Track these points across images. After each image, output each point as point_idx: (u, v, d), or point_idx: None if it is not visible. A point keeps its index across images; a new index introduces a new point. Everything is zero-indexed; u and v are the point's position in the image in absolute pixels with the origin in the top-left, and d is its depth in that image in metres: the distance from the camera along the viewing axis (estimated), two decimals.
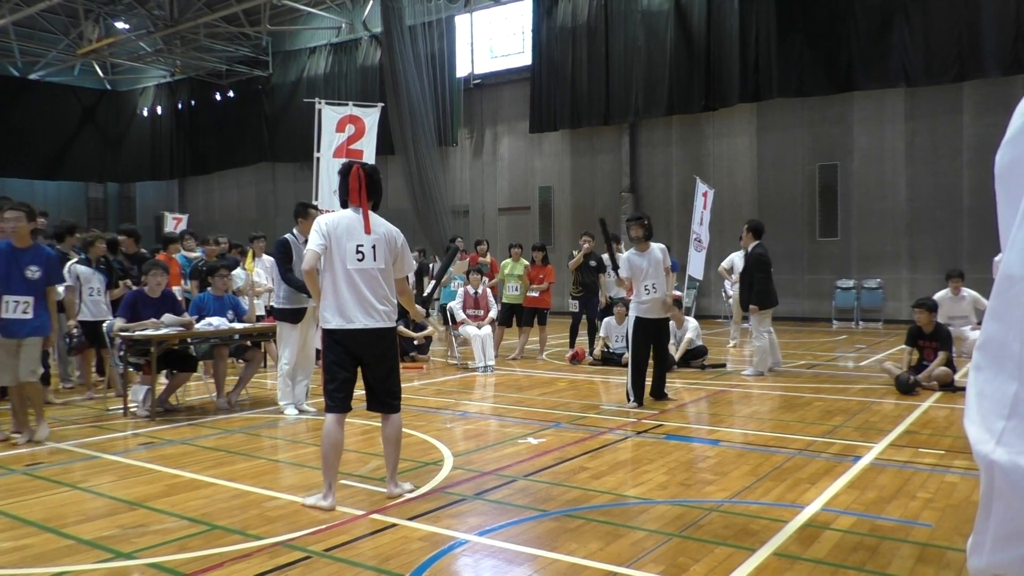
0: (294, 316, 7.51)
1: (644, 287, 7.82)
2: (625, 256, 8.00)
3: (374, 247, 4.56)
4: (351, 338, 4.54)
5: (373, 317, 4.53)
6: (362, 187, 4.60)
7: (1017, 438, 0.84)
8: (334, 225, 4.55)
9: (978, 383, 0.91)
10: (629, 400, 7.82)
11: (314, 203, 8.00)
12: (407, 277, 4.92)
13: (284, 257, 7.39)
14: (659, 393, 8.13)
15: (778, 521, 4.25)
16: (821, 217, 18.09)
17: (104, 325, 8.03)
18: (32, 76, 28.92)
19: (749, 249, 10.06)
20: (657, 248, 7.94)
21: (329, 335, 4.58)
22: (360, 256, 4.51)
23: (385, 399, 4.71)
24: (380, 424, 4.85)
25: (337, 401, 4.59)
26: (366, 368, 4.66)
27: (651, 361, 8.07)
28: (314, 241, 4.54)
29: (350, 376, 4.63)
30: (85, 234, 9.18)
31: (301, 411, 7.67)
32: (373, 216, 4.66)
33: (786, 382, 9.42)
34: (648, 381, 8.01)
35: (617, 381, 9.35)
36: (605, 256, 12.26)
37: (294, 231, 7.57)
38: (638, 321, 7.86)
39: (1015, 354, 0.85)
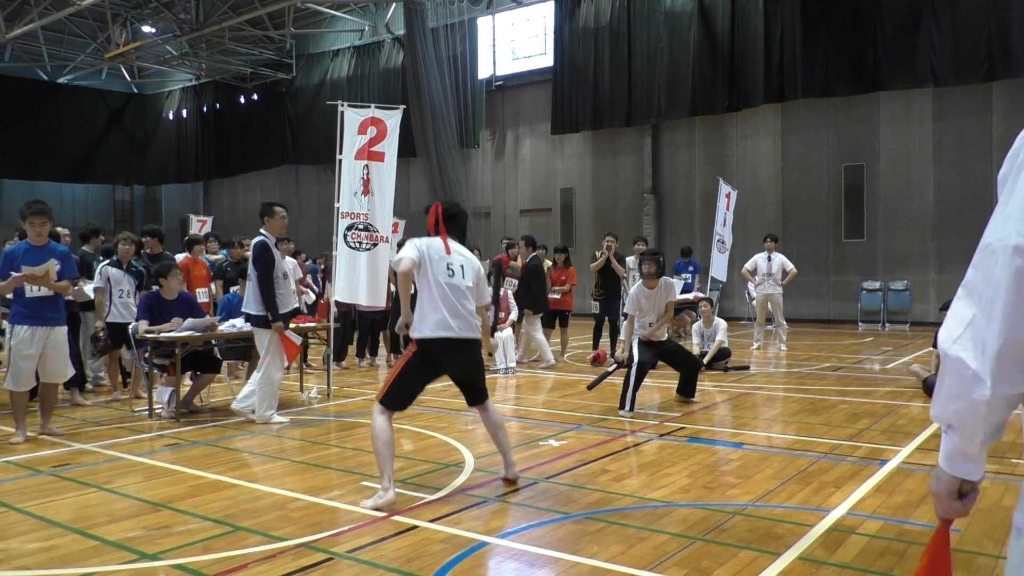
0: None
1: (647, 322, 7.90)
2: (633, 293, 7.99)
3: (462, 266, 4.92)
4: (446, 348, 4.78)
5: (468, 328, 4.84)
6: (439, 221, 5.00)
7: (965, 342, 1.28)
8: (426, 245, 4.90)
9: (955, 307, 1.33)
10: (624, 408, 7.48)
11: (279, 204, 7.69)
12: (487, 306, 5.23)
13: (270, 262, 7.15)
14: (687, 391, 8.12)
15: (803, 525, 4.20)
16: (847, 218, 17.92)
17: (129, 327, 8.11)
18: (60, 80, 29.33)
19: (528, 260, 11.12)
20: (663, 283, 7.94)
21: (422, 344, 4.78)
22: (451, 272, 4.86)
23: (483, 393, 5.09)
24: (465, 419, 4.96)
25: (400, 404, 4.87)
26: (459, 374, 5.00)
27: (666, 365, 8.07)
28: (410, 252, 4.84)
29: (423, 387, 4.98)
30: (116, 236, 9.29)
31: (250, 420, 7.30)
32: (454, 243, 5.03)
33: (811, 385, 9.34)
34: (658, 382, 7.97)
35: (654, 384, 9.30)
36: (629, 259, 12.30)
37: (263, 231, 7.32)
38: (640, 341, 7.89)
39: (981, 292, 1.28)
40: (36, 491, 5.10)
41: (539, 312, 11.19)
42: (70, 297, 8.33)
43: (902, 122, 17.22)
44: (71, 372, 6.96)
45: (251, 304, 7.24)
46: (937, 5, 15.88)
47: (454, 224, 5.07)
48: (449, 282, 4.81)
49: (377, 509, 4.53)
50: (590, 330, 12.50)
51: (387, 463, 4.67)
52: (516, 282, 11.48)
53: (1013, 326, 1.21)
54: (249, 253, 10.62)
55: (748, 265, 13.17)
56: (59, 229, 9.16)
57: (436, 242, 4.95)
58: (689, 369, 8.14)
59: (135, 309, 8.72)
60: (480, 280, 5.07)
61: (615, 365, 8.53)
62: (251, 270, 7.22)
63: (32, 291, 6.41)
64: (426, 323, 4.76)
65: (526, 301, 11.09)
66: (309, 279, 12.41)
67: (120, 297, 8.61)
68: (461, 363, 4.93)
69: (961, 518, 1.46)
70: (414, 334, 4.82)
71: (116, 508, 4.69)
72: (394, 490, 4.64)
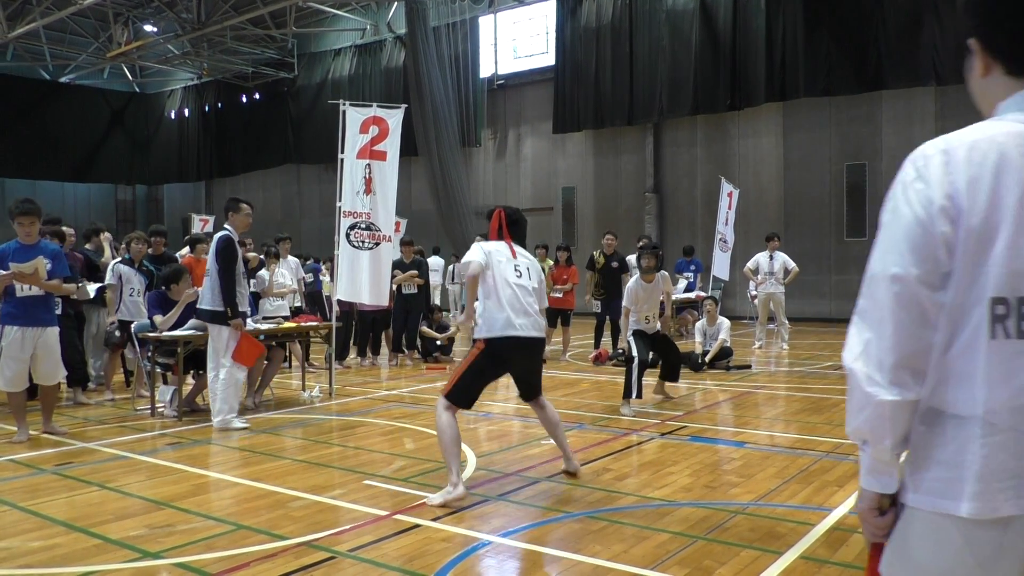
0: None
1: (645, 317, 7.93)
2: (631, 287, 8.01)
3: (528, 268, 5.08)
4: (513, 346, 4.87)
5: (534, 328, 4.94)
6: (503, 226, 5.21)
7: (863, 360, 1.46)
8: (491, 249, 5.04)
9: (852, 331, 1.50)
10: (631, 395, 7.57)
11: (245, 200, 7.52)
12: (542, 309, 5.28)
13: (233, 258, 6.95)
14: (671, 377, 8.15)
15: (805, 524, 4.20)
16: (849, 217, 17.90)
17: (133, 326, 8.13)
18: (62, 79, 29.33)
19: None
20: (659, 278, 8.01)
21: (489, 344, 4.86)
22: (519, 274, 5.00)
23: (537, 389, 5.24)
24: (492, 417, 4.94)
25: (468, 401, 4.94)
26: (521, 371, 5.11)
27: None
28: (477, 255, 4.99)
29: (487, 384, 5.06)
30: (128, 235, 9.33)
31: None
32: (517, 247, 5.18)
33: (813, 384, 9.33)
34: (650, 380, 8.07)
35: (644, 383, 9.30)
36: (630, 257, 12.28)
37: (227, 226, 7.17)
38: (636, 331, 7.92)
39: (872, 316, 1.46)
40: (38, 490, 5.10)
41: None
42: (75, 296, 8.35)
43: (904, 121, 17.19)
44: (63, 373, 6.85)
45: (207, 300, 7.00)
46: (939, 3, 15.82)
47: (516, 229, 5.26)
48: (517, 283, 4.95)
49: (444, 505, 4.56)
50: (591, 329, 12.49)
51: (454, 459, 4.73)
52: None
53: (901, 341, 1.41)
54: (252, 253, 10.71)
55: (750, 264, 13.16)
56: (64, 229, 9.19)
57: (501, 246, 5.11)
58: (673, 359, 8.16)
59: (143, 308, 8.75)
60: (541, 283, 5.19)
61: (622, 353, 8.59)
62: (212, 264, 6.99)
63: (23, 291, 6.34)
64: (495, 323, 4.86)
65: None
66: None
67: (131, 296, 8.63)
68: (526, 361, 5.07)
69: (888, 538, 1.54)
70: (481, 333, 4.90)
71: (118, 507, 4.70)
72: (463, 486, 4.67)
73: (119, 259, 8.85)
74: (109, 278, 8.64)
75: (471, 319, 5.07)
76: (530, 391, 5.23)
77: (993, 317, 1.38)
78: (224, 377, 6.97)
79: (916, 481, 1.46)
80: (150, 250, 9.18)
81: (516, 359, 5.00)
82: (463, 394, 4.90)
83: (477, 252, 5.02)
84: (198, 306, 7.22)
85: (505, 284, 4.91)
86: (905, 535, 1.49)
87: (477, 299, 5.02)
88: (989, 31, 1.51)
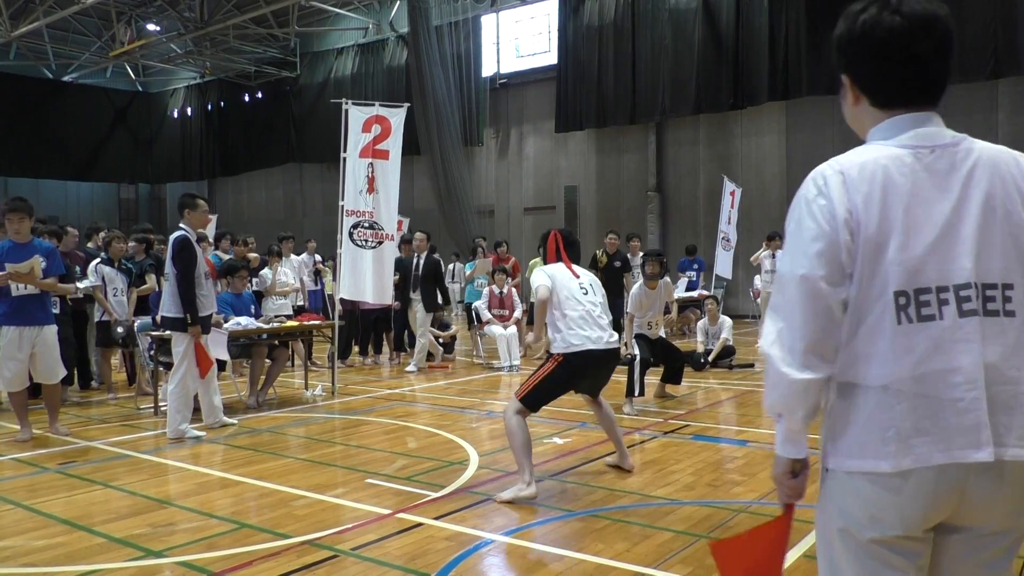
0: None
1: (647, 322, 7.99)
2: (635, 293, 8.05)
3: (591, 285, 5.24)
4: (591, 360, 4.96)
5: (609, 340, 5.05)
6: (560, 247, 5.38)
7: (777, 346, 1.68)
8: (553, 271, 5.21)
9: (768, 322, 1.73)
10: (634, 394, 7.63)
11: (201, 196, 7.18)
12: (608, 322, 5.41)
13: (191, 260, 6.52)
14: (673, 379, 8.17)
15: (808, 523, 4.16)
16: None
17: (136, 325, 8.13)
18: (65, 78, 29.34)
19: (425, 256, 10.82)
20: (662, 284, 8.06)
21: (567, 358, 4.93)
22: (584, 291, 5.15)
23: (599, 392, 5.38)
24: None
25: (537, 407, 5.00)
26: (593, 381, 5.22)
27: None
28: (543, 280, 5.13)
29: (562, 394, 5.13)
30: (109, 233, 9.29)
31: (225, 424, 7.04)
32: (576, 267, 5.35)
33: None
34: (650, 379, 8.05)
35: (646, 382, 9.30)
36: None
37: (183, 225, 6.70)
38: (638, 335, 7.97)
39: (784, 310, 1.69)
40: (41, 488, 5.11)
41: (430, 311, 10.76)
42: (80, 295, 8.35)
43: None
44: (62, 372, 6.79)
45: (168, 306, 6.59)
46: (943, 2, 15.78)
47: (572, 250, 5.43)
48: (586, 299, 5.10)
49: (511, 501, 4.62)
50: None
51: (527, 460, 4.79)
52: (511, 279, 11.54)
53: (808, 329, 1.65)
54: (253, 254, 10.72)
55: (758, 255, 13.14)
56: (68, 228, 9.21)
57: (561, 267, 5.27)
58: (676, 363, 8.18)
59: (128, 307, 8.74)
60: (604, 297, 5.32)
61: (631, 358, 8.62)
62: (169, 268, 6.59)
63: (18, 290, 6.32)
64: (574, 338, 4.95)
65: (429, 299, 10.69)
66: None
67: (114, 295, 8.60)
68: (600, 372, 5.17)
69: (799, 498, 1.86)
70: (559, 348, 4.97)
71: (121, 505, 4.71)
72: (535, 487, 4.72)
73: (98, 260, 8.77)
74: (94, 279, 8.57)
75: (540, 341, 5.25)
76: (593, 394, 5.38)
77: (897, 307, 1.62)
78: (176, 388, 6.59)
79: (834, 448, 1.71)
80: (143, 248, 9.18)
81: (592, 371, 5.10)
82: (536, 401, 4.96)
83: (542, 277, 5.15)
84: (160, 314, 6.87)
85: (576, 302, 5.04)
86: (829, 493, 1.75)
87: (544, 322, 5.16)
88: (855, 70, 1.82)
